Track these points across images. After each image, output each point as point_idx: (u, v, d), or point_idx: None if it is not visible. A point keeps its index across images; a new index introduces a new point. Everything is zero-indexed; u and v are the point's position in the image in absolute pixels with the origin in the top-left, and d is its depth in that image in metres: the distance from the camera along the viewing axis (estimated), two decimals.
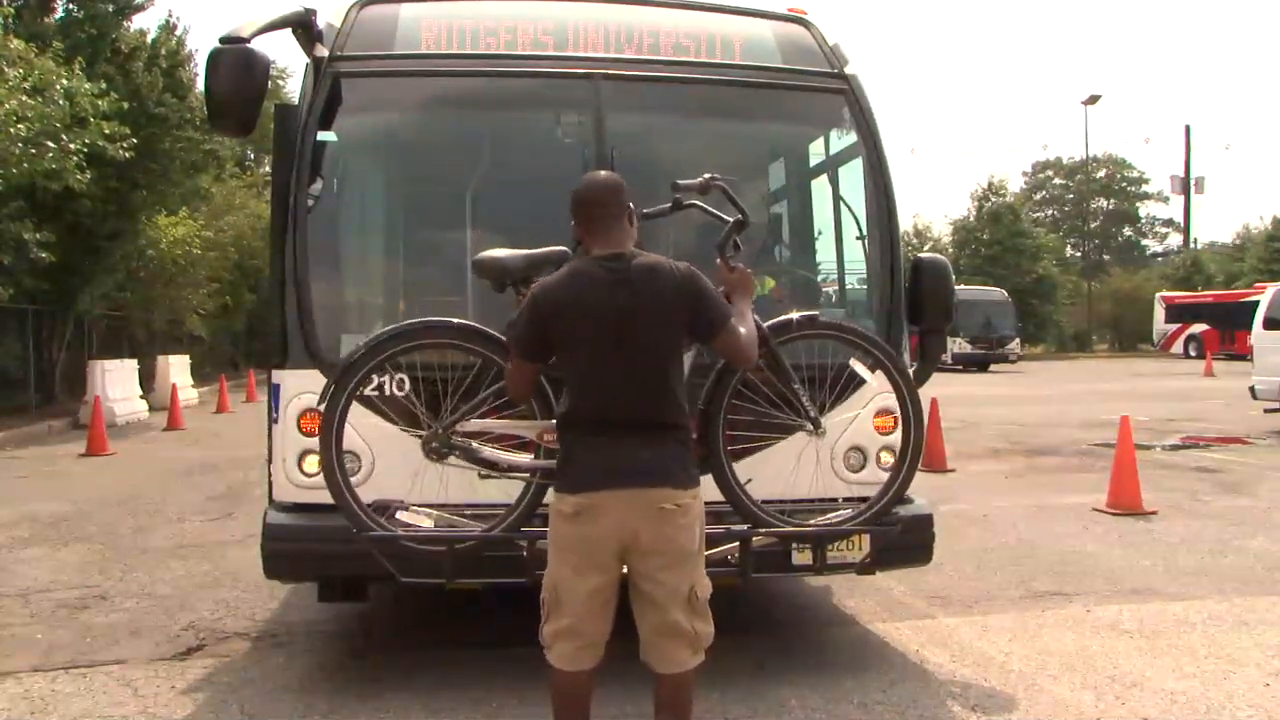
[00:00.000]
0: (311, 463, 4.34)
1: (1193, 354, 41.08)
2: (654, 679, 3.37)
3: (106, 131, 15.14)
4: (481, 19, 4.86)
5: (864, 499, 4.39)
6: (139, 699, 4.51)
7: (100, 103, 15.03)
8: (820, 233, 5.66)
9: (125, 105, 16.32)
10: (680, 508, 3.23)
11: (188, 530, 8.37)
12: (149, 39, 20.35)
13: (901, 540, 4.45)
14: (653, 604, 3.27)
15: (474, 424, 3.93)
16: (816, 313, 4.37)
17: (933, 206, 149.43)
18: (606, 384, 3.26)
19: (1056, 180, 79.43)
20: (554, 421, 3.89)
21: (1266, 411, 15.38)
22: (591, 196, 3.40)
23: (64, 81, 14.48)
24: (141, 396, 19.48)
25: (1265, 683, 4.65)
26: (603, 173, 3.56)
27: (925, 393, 4.60)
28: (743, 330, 3.44)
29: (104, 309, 21.87)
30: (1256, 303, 16.73)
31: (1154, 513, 8.65)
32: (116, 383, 17.96)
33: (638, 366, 3.24)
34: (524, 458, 3.99)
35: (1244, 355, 27.22)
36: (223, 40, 4.12)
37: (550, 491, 3.45)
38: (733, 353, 3.47)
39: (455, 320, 4.10)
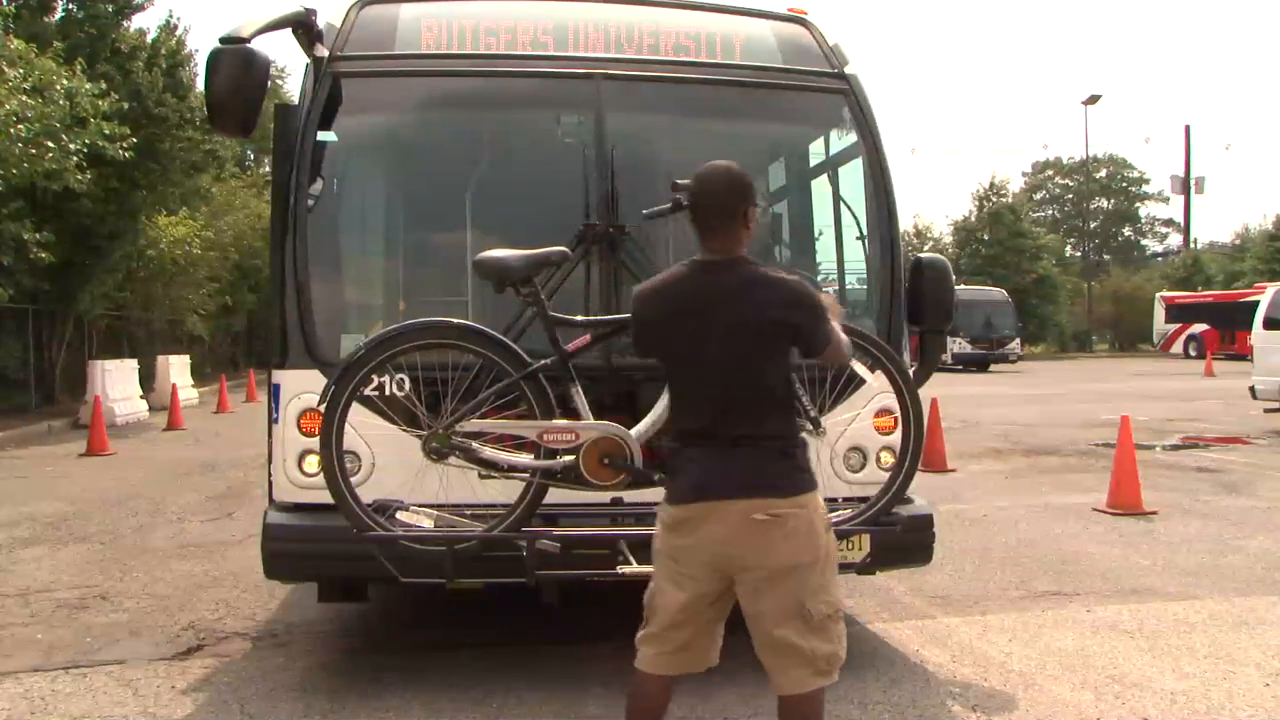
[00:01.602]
0: (311, 463, 4.35)
1: (1193, 354, 41.08)
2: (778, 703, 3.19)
3: (106, 131, 15.16)
4: (481, 19, 4.86)
5: (864, 499, 4.38)
6: (139, 699, 4.51)
7: (100, 103, 15.04)
8: (820, 233, 5.67)
9: (125, 105, 16.36)
10: (777, 518, 3.01)
11: (188, 530, 8.37)
12: (149, 39, 20.39)
13: (901, 540, 4.45)
14: (756, 620, 3.11)
15: (474, 424, 3.92)
16: None
17: (933, 206, 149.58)
18: (702, 394, 3.13)
19: (1057, 180, 79.45)
20: (556, 423, 3.93)
21: (1267, 411, 15.39)
22: (698, 194, 3.16)
23: (64, 82, 14.50)
24: (141, 396, 19.48)
25: (1265, 683, 4.65)
26: (722, 163, 3.25)
27: (925, 393, 4.60)
28: (843, 340, 3.27)
29: (104, 309, 21.87)
30: (1256, 303, 16.73)
31: (1154, 513, 8.65)
32: (116, 383, 17.96)
33: (734, 378, 3.07)
34: (524, 458, 3.99)
35: (1244, 355, 27.25)
36: (223, 40, 4.12)
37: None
38: (834, 364, 3.52)
39: (455, 320, 4.10)
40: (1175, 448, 13.62)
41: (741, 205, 3.13)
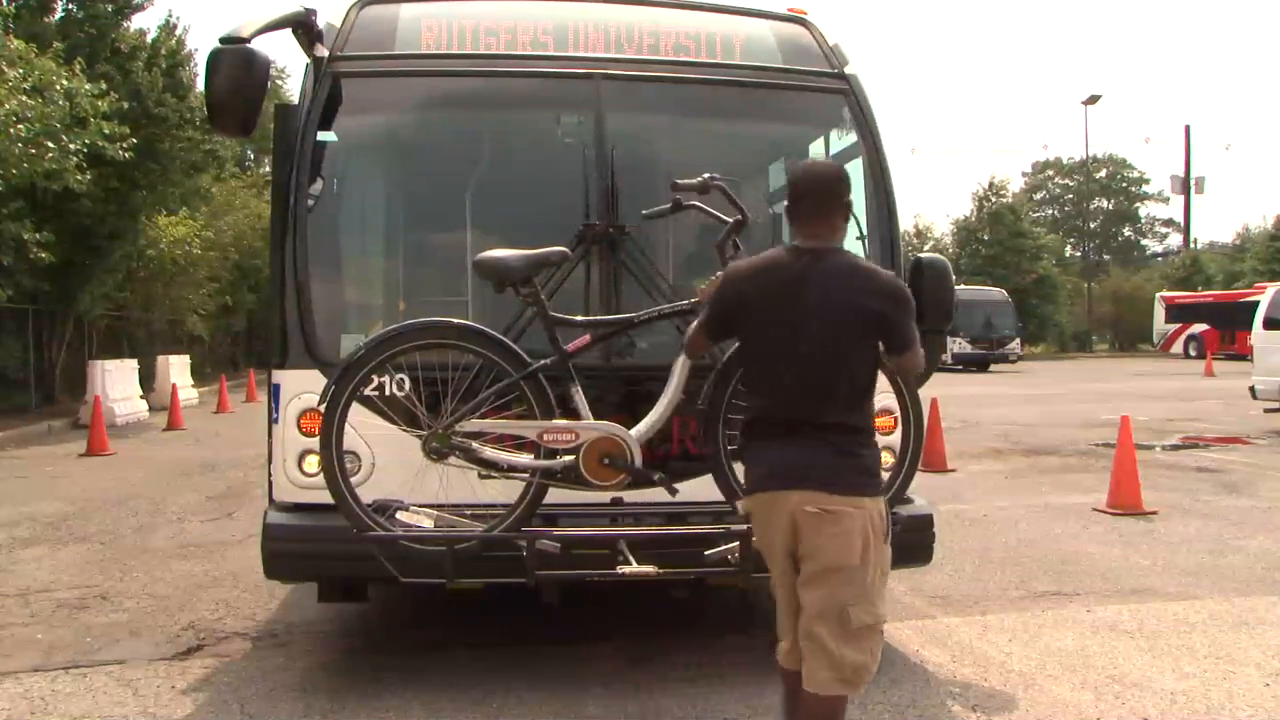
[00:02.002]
0: (311, 463, 4.35)
1: (1193, 354, 41.07)
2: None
3: (106, 132, 15.18)
4: (481, 19, 4.86)
5: None
6: (139, 699, 4.51)
7: (100, 103, 15.06)
8: None
9: (125, 105, 16.36)
10: (830, 514, 3.05)
11: (188, 530, 8.37)
12: (149, 39, 20.40)
13: (901, 540, 4.40)
14: (801, 610, 3.15)
15: (474, 424, 3.92)
16: None
17: (933, 206, 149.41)
18: (778, 380, 3.19)
19: (1057, 180, 79.43)
20: (556, 423, 3.93)
21: (1266, 411, 15.39)
22: (806, 183, 3.30)
23: (64, 82, 14.50)
24: (141, 396, 19.47)
25: (1265, 683, 4.65)
26: (823, 161, 3.41)
27: (925, 393, 4.60)
28: (920, 349, 3.33)
29: (104, 309, 21.87)
30: (1256, 303, 16.73)
31: (1154, 513, 8.65)
32: (116, 383, 17.95)
33: (812, 366, 3.12)
34: (524, 458, 3.99)
35: (1244, 355, 27.26)
36: (223, 40, 4.12)
37: None
38: (907, 370, 3.48)
39: (455, 320, 4.10)
40: (1175, 448, 13.62)
41: (846, 194, 3.28)
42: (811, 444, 3.11)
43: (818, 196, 3.25)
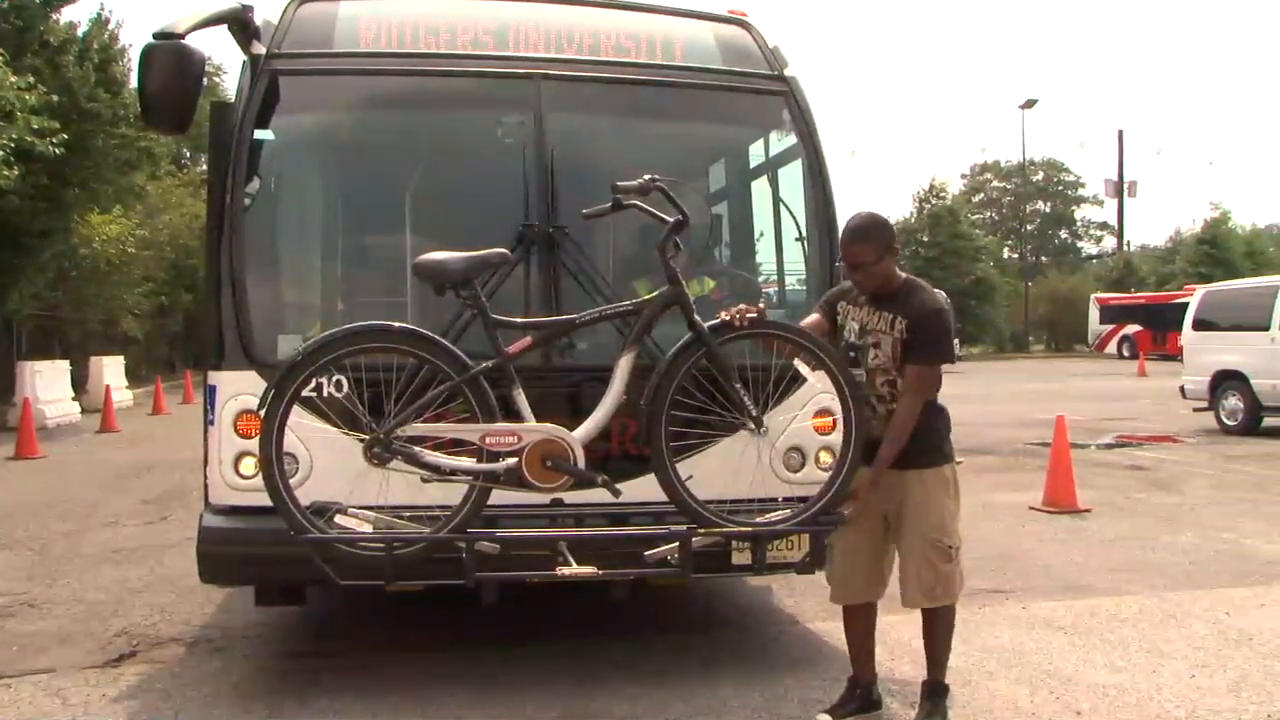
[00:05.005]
0: (248, 465, 4.27)
1: (1126, 354, 41.92)
2: None
3: (35, 126, 14.79)
4: (421, 18, 4.82)
5: (804, 499, 4.41)
6: (68, 708, 4.41)
7: (28, 96, 14.65)
8: (760, 234, 5.69)
9: (55, 100, 15.94)
10: None
11: (122, 534, 8.20)
12: (80, 32, 19.87)
13: None
14: None
15: (416, 428, 3.87)
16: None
17: (874, 209, 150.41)
18: None
19: (995, 183, 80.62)
20: (498, 425, 3.90)
21: (1195, 410, 15.77)
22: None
23: None
24: (74, 398, 19.06)
25: (1191, 674, 4.77)
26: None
27: None
28: None
29: (34, 309, 21.34)
30: (1187, 304, 17.14)
31: (1088, 510, 8.83)
32: (47, 384, 17.58)
33: None
34: (467, 461, 3.95)
35: (1175, 356, 27.87)
36: (157, 36, 4.05)
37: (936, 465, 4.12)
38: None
39: (396, 324, 4.03)
40: (1109, 446, 13.93)
41: None
42: None
43: None
